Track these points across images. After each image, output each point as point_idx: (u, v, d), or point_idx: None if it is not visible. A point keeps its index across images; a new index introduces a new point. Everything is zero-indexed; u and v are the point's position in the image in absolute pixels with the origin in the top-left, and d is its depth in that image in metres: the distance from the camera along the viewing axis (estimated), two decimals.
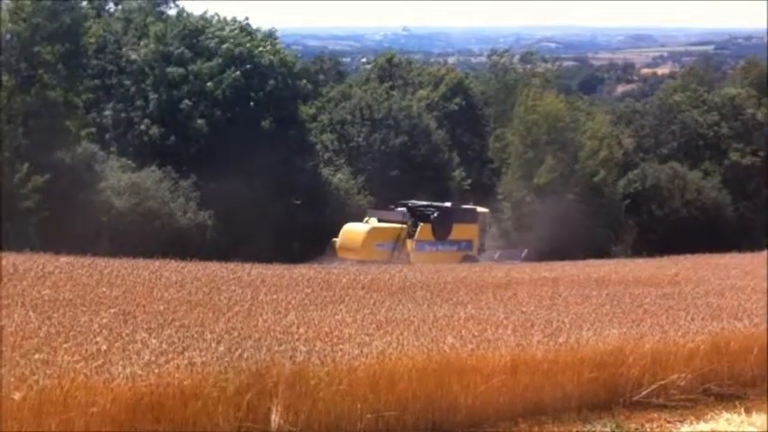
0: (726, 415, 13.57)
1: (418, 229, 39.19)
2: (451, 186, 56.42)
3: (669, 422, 13.38)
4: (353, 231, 38.54)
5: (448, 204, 42.71)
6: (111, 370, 10.60)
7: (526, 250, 42.47)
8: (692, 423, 13.37)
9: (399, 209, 40.45)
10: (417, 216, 39.87)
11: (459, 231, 40.26)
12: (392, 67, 63.86)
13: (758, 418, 13.50)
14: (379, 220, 39.38)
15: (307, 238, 45.42)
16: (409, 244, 38.68)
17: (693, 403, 14.08)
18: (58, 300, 14.81)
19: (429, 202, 42.72)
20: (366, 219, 40.05)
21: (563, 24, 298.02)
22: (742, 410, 13.73)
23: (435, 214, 40.13)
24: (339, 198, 51.13)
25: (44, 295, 15.13)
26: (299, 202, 48.35)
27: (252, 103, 49.13)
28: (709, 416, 13.59)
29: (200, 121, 47.85)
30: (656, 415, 13.56)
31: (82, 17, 43.93)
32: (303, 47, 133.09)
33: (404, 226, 38.95)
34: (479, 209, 42.85)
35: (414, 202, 42.19)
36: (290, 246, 42.91)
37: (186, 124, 48.36)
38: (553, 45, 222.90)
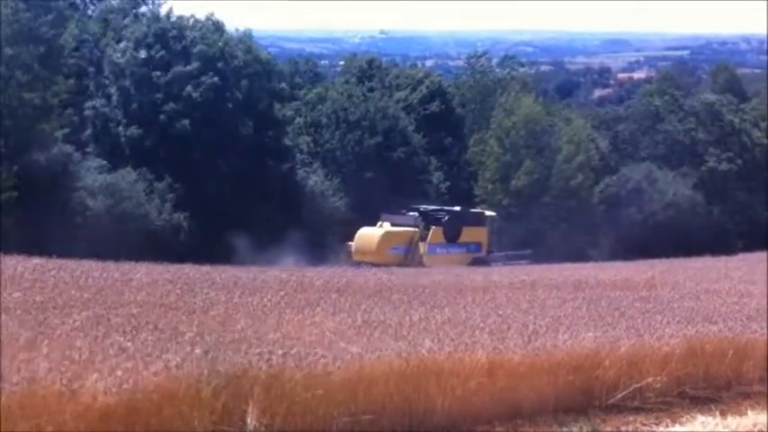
0: (701, 418, 13.59)
1: (430, 233, 40.52)
2: (429, 189, 56.43)
3: (644, 425, 13.38)
4: (368, 235, 39.69)
5: (457, 208, 44.29)
6: (84, 374, 10.47)
7: (530, 251, 43.66)
8: (667, 426, 13.39)
9: (411, 213, 41.69)
10: (429, 220, 41.14)
11: (469, 234, 41.57)
12: (371, 69, 63.82)
13: (733, 421, 13.53)
14: (393, 225, 40.39)
15: (282, 239, 45.30)
16: (422, 247, 39.83)
17: (668, 406, 14.09)
18: (29, 302, 14.64)
19: (440, 207, 44.46)
20: (380, 223, 40.82)
21: (540, 28, 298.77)
22: (717, 413, 13.75)
23: (446, 218, 41.50)
24: (315, 200, 51.08)
25: (15, 298, 14.94)
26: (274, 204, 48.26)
27: (228, 104, 48.98)
28: (684, 419, 13.61)
29: (183, 122, 47.66)
30: (631, 418, 13.56)
31: (63, 18, 43.69)
32: (280, 49, 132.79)
33: (416, 230, 40.13)
34: (487, 212, 44.53)
35: (425, 206, 43.76)
36: (265, 247, 42.82)
37: (167, 126, 48.17)
38: (530, 49, 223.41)
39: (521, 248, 44.98)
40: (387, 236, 39.51)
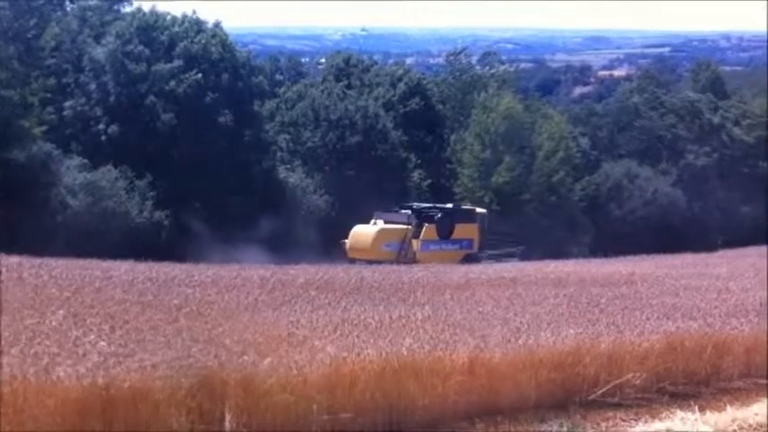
0: (680, 414, 13.63)
1: (423, 230, 40.96)
2: (410, 187, 56.41)
3: (624, 421, 13.41)
4: (363, 233, 40.24)
5: (449, 206, 45.01)
6: (61, 372, 10.41)
7: (522, 248, 43.93)
8: (646, 422, 13.41)
9: (404, 211, 42.25)
10: (421, 217, 41.63)
11: (461, 231, 42.07)
12: (349, 67, 63.69)
13: (712, 417, 13.57)
14: (386, 222, 40.94)
15: (262, 237, 45.23)
16: (415, 244, 40.39)
17: (648, 402, 14.13)
18: (6, 301, 14.54)
19: (432, 204, 44.93)
20: (373, 221, 41.36)
21: (520, 26, 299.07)
22: (696, 409, 13.78)
23: (438, 215, 42.02)
24: (295, 197, 51.03)
25: None
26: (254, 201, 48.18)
27: (208, 101, 48.86)
28: (663, 414, 13.64)
29: (166, 116, 47.51)
30: (611, 414, 13.58)
31: (44, 17, 43.52)
32: (261, 46, 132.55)
33: (409, 227, 40.64)
34: (478, 209, 44.89)
35: (417, 204, 44.51)
36: (246, 245, 42.75)
37: (148, 122, 48.01)
38: (510, 46, 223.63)
39: (507, 245, 45.34)
40: (381, 233, 40.16)
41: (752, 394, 14.92)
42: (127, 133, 48.05)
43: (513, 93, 62.02)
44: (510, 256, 42.86)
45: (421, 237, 40.78)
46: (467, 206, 46.49)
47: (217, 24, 53.34)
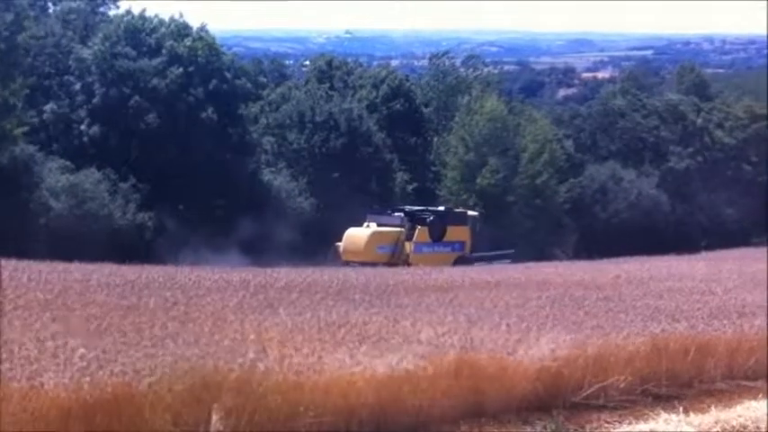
0: (664, 415, 13.64)
1: (416, 232, 41.57)
2: (394, 189, 56.43)
3: (608, 423, 13.42)
4: (356, 235, 40.71)
5: (441, 208, 46.09)
6: (43, 376, 10.35)
7: (513, 251, 44.47)
8: (630, 423, 13.43)
9: (396, 213, 42.86)
10: (414, 220, 42.19)
11: (453, 233, 42.69)
12: (332, 69, 63.71)
13: (696, 418, 13.59)
14: (379, 225, 41.38)
15: (246, 239, 45.17)
16: (408, 246, 40.88)
17: (632, 404, 14.13)
18: None
19: (424, 207, 45.74)
20: (366, 224, 41.77)
21: (505, 28, 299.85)
22: (680, 411, 13.81)
23: (431, 218, 42.59)
24: (280, 200, 51.00)
25: None
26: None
27: (192, 99, 48.81)
28: (647, 416, 13.65)
29: (149, 117, 47.46)
30: (595, 416, 13.58)
31: (22, 15, 43.34)
32: (245, 49, 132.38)
33: (402, 229, 41.18)
34: (470, 212, 45.62)
35: (410, 207, 45.26)
36: (230, 248, 42.70)
37: (131, 122, 47.93)
38: (495, 49, 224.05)
39: (497, 247, 45.72)
40: (374, 236, 40.56)
41: (734, 396, 14.96)
42: (110, 135, 48.00)
43: (497, 95, 62.12)
44: (503, 257, 43.21)
45: (414, 239, 41.27)
46: (458, 209, 47.15)
47: (202, 28, 53.40)
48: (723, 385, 15.40)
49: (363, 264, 35.85)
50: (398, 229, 41.18)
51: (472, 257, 42.11)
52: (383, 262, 38.20)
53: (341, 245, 40.69)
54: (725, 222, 65.73)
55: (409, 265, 37.68)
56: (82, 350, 11.32)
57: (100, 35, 49.94)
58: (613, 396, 14.11)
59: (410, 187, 57.87)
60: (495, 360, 13.35)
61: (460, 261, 40.49)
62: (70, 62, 49.54)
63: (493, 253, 43.96)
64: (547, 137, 59.32)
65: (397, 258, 39.82)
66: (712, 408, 14.21)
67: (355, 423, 11.89)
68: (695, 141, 68.13)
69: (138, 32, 50.69)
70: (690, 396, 14.72)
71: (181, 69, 49.06)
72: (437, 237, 42.12)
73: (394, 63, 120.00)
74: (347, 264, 37.59)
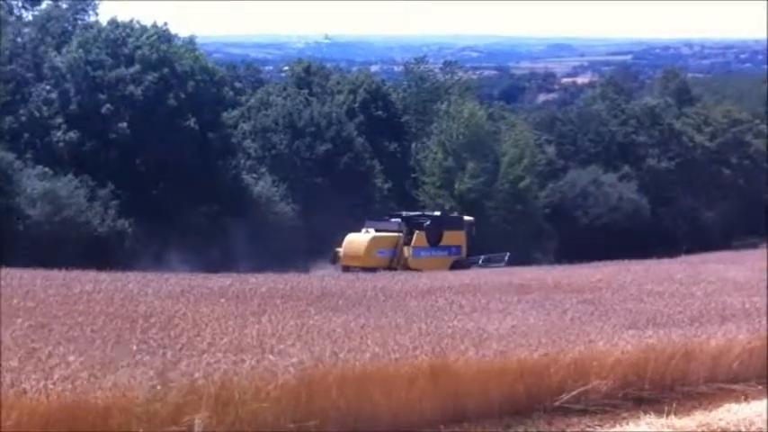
0: (646, 419, 13.69)
1: (414, 237, 42.20)
2: (375, 194, 56.45)
3: (589, 427, 13.44)
4: (357, 241, 41.43)
5: (438, 213, 46.75)
6: (26, 384, 10.31)
7: (508, 254, 44.91)
8: (612, 427, 13.45)
9: (394, 219, 43.72)
10: (411, 225, 42.88)
11: (449, 238, 43.31)
12: (309, 75, 63.69)
13: (678, 422, 13.64)
14: (377, 230, 42.13)
15: (228, 245, 45.08)
16: (406, 250, 41.66)
17: (613, 408, 14.15)
18: None
19: (421, 212, 46.92)
20: (364, 229, 42.53)
21: (485, 34, 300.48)
22: (662, 414, 13.86)
23: (428, 223, 43.32)
24: (261, 206, 50.95)
25: None
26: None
27: (171, 104, 48.72)
28: (629, 420, 13.69)
29: (121, 125, 47.34)
30: (576, 420, 13.60)
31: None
32: (225, 55, 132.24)
33: (400, 234, 41.94)
34: (465, 217, 46.14)
35: (407, 212, 46.04)
36: (211, 254, 42.59)
37: (106, 128, 47.77)
38: (475, 54, 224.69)
39: (492, 251, 46.31)
40: (374, 241, 41.30)
41: (716, 399, 15.00)
42: (87, 141, 47.80)
43: (475, 100, 62.16)
44: (498, 261, 43.89)
45: (412, 243, 42.05)
46: (454, 214, 47.89)
47: (191, 40, 53.46)
48: (704, 388, 15.45)
49: (364, 268, 36.66)
50: (397, 234, 42.01)
51: (468, 261, 42.85)
52: (383, 266, 39.05)
53: (341, 250, 41.41)
54: (705, 225, 66.05)
55: (408, 269, 38.54)
56: (66, 358, 11.30)
57: (75, 42, 49.79)
58: (595, 400, 14.13)
59: (390, 192, 57.89)
60: (475, 363, 13.37)
61: (457, 265, 41.16)
62: (45, 69, 49.38)
63: (488, 256, 44.55)
64: (527, 141, 59.44)
65: (396, 263, 40.65)
66: (694, 411, 14.26)
67: (333, 428, 11.89)
68: (675, 145, 68.45)
69: (116, 39, 50.56)
70: (672, 399, 14.76)
71: (158, 75, 48.97)
72: (434, 241, 42.85)
73: (374, 68, 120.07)
74: (347, 269, 38.53)
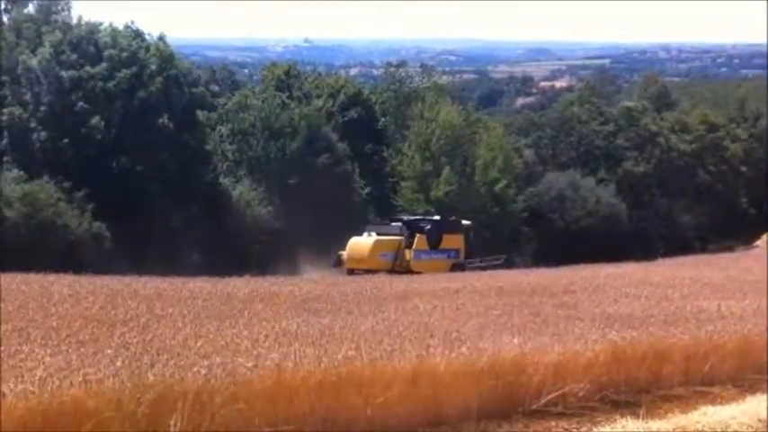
0: (622, 421, 13.74)
1: (415, 240, 43.15)
2: (354, 198, 56.42)
3: (567, 429, 13.49)
4: (360, 244, 42.49)
5: (437, 217, 47.80)
6: (3, 387, 10.28)
7: (504, 257, 46.21)
8: (589, 430, 13.50)
9: (395, 223, 45.14)
10: (412, 228, 43.92)
11: (449, 241, 44.25)
12: (289, 78, 63.62)
13: (654, 424, 13.70)
14: (378, 234, 43.11)
15: (206, 248, 44.98)
16: (408, 253, 42.65)
17: (590, 411, 14.22)
18: None
19: (421, 216, 48.18)
20: (366, 233, 43.51)
21: (464, 37, 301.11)
22: (638, 417, 13.92)
23: (428, 227, 44.33)
24: (240, 208, 50.88)
25: None
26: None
27: (142, 96, 48.59)
28: (605, 422, 13.74)
29: (94, 120, 47.18)
30: (554, 423, 13.64)
31: None
32: (203, 57, 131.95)
33: (401, 238, 42.95)
34: (464, 221, 47.08)
35: (408, 216, 47.74)
36: (190, 257, 42.51)
37: (80, 126, 47.58)
38: (454, 58, 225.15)
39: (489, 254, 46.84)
40: (377, 244, 42.21)
41: (692, 401, 15.08)
42: (64, 144, 47.57)
43: (451, 103, 62.09)
44: (495, 263, 44.80)
45: (414, 246, 42.92)
46: (453, 218, 48.59)
47: (161, 38, 53.35)
48: (680, 391, 15.54)
49: (367, 271, 37.97)
50: (398, 237, 42.91)
51: (466, 264, 43.66)
52: (385, 269, 39.99)
53: (344, 253, 42.18)
54: (682, 229, 66.35)
55: (410, 271, 39.62)
56: (44, 361, 11.27)
57: (47, 43, 49.70)
58: (572, 403, 14.19)
59: (368, 196, 57.89)
60: (452, 367, 13.39)
61: (456, 267, 42.12)
62: (19, 71, 49.24)
63: (485, 258, 45.49)
64: (501, 144, 59.49)
65: (398, 265, 41.56)
66: (670, 414, 14.32)
67: (310, 431, 11.90)
68: (652, 149, 68.73)
69: (88, 40, 50.51)
70: (648, 402, 14.84)
71: (131, 75, 48.91)
72: (434, 244, 43.65)
73: (353, 72, 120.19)
74: (351, 271, 39.81)
